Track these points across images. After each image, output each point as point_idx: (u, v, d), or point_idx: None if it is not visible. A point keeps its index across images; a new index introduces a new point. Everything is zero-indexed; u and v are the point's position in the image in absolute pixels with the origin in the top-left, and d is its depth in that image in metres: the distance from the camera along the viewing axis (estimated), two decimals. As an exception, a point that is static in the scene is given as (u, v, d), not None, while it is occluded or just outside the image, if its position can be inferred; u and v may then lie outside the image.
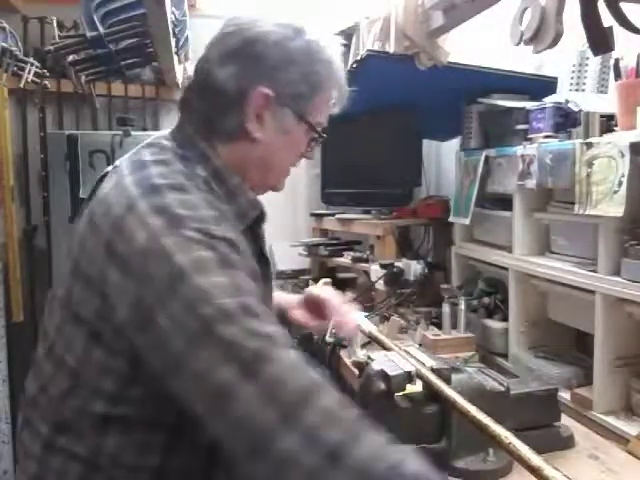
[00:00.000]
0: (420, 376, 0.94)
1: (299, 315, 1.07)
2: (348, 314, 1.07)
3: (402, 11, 1.45)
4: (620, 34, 0.85)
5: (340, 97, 0.90)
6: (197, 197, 0.73)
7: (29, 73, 1.97)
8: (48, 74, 2.16)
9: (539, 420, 1.03)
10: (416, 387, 0.96)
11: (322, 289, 1.14)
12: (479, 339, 1.62)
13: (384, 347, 1.15)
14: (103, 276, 0.70)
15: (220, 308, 0.64)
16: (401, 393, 0.95)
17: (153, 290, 0.65)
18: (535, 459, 0.68)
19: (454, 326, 1.63)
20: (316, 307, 1.07)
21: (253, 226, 0.85)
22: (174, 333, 0.63)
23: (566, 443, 1.05)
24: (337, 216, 2.30)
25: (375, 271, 1.87)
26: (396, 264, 1.83)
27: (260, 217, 0.87)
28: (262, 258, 0.88)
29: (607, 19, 0.82)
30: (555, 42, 0.92)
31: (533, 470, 0.68)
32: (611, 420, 1.15)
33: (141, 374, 0.70)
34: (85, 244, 0.75)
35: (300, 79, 0.83)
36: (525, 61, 1.73)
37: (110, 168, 0.84)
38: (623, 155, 1.09)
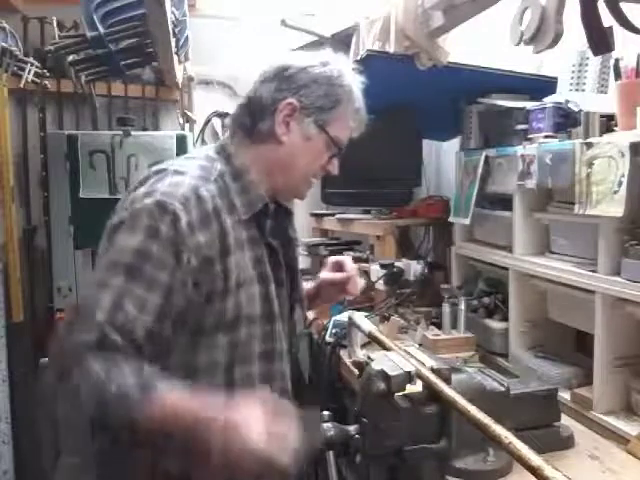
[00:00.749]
0: (420, 376, 0.94)
1: (326, 275, 1.26)
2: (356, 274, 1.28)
3: (402, 11, 1.45)
4: (620, 34, 0.85)
5: (359, 123, 1.07)
6: (187, 179, 0.94)
7: (29, 73, 1.98)
8: (48, 74, 2.16)
9: (539, 420, 1.03)
10: (416, 387, 0.96)
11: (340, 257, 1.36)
12: (479, 339, 1.62)
13: (384, 347, 1.15)
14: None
15: (114, 260, 0.87)
16: (401, 393, 0.95)
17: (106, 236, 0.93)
18: (535, 459, 0.68)
19: (454, 326, 1.63)
20: (338, 267, 1.26)
21: (260, 216, 1.00)
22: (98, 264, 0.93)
23: (566, 443, 1.05)
24: (337, 216, 2.30)
25: (375, 271, 1.87)
26: (396, 264, 1.83)
27: (264, 210, 1.01)
28: (269, 246, 1.03)
29: (607, 19, 0.82)
30: (555, 42, 0.92)
31: (533, 470, 0.68)
32: (611, 420, 1.15)
33: None
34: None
35: (322, 95, 1.01)
36: (525, 61, 1.73)
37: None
38: (623, 155, 1.09)
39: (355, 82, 1.05)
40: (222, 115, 2.52)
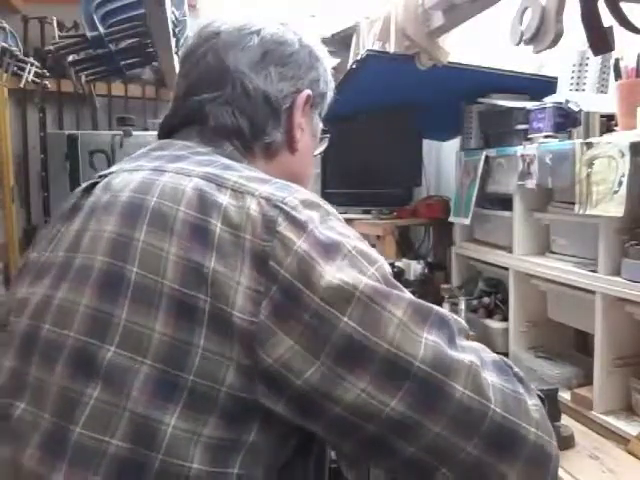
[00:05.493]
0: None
1: None
2: None
3: (402, 11, 1.45)
4: (621, 34, 0.85)
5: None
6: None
7: (29, 73, 1.97)
8: (48, 74, 2.16)
9: (539, 420, 1.03)
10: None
11: None
12: (479, 339, 1.62)
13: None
14: None
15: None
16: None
17: None
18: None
19: (454, 326, 1.63)
20: None
21: None
22: None
23: (567, 443, 1.05)
24: (337, 216, 2.30)
25: (375, 271, 1.86)
26: (396, 264, 1.83)
27: None
28: None
29: (607, 19, 0.82)
30: (555, 42, 0.92)
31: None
32: (611, 420, 1.15)
33: None
34: None
35: (322, 76, 0.80)
36: (525, 61, 1.73)
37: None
38: (623, 155, 1.09)
39: None
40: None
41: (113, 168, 0.69)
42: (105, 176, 0.67)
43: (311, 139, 0.80)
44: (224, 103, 0.71)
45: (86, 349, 0.53)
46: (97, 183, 0.66)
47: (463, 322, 0.61)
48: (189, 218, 0.56)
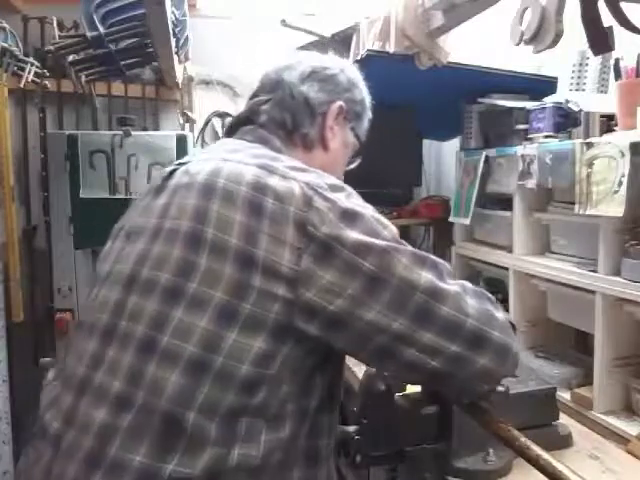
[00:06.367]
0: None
1: None
2: None
3: (402, 11, 1.44)
4: (621, 34, 0.85)
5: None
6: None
7: (29, 73, 1.97)
8: (48, 74, 2.16)
9: (538, 419, 1.03)
10: (416, 387, 0.96)
11: None
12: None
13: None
14: None
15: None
16: (401, 393, 0.95)
17: None
18: (536, 448, 0.69)
19: (454, 326, 1.63)
20: None
21: None
22: None
23: (564, 442, 1.05)
24: (337, 216, 2.30)
25: (375, 271, 1.86)
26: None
27: None
28: None
29: (607, 19, 0.82)
30: (555, 42, 0.92)
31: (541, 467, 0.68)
32: (611, 420, 1.15)
33: None
34: None
35: (359, 100, 1.00)
36: (525, 61, 1.73)
37: None
38: (623, 155, 1.09)
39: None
40: (222, 115, 2.52)
41: (188, 158, 0.91)
42: (182, 164, 0.88)
43: (342, 146, 0.99)
44: (274, 104, 0.94)
45: (175, 284, 0.74)
46: (176, 170, 0.87)
47: (449, 266, 0.80)
48: (248, 195, 0.76)
